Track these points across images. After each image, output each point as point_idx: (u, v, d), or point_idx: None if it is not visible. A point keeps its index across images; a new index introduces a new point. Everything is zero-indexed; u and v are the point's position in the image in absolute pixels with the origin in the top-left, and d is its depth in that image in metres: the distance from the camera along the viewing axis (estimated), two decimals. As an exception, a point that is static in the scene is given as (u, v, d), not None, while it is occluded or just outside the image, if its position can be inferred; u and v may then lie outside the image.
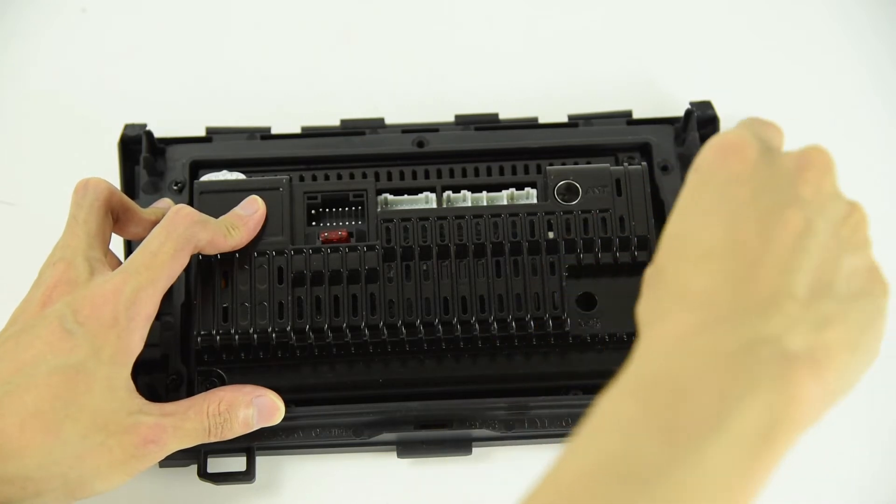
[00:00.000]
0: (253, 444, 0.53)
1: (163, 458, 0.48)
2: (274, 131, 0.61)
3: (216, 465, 0.53)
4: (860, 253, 0.40)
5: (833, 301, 0.37)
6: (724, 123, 0.60)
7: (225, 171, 0.57)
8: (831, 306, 0.37)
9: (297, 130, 0.61)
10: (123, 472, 0.47)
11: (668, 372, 0.35)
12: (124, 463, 0.47)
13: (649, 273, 0.40)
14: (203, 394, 0.50)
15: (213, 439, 0.50)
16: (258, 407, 0.51)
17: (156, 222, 0.51)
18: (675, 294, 0.38)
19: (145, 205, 0.55)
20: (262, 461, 0.54)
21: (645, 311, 0.39)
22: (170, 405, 0.49)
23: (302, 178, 0.58)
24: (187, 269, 0.53)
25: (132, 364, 0.47)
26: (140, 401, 0.48)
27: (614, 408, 0.35)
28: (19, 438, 0.44)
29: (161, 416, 0.48)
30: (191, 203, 0.55)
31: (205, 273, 0.53)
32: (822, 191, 0.39)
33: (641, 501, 0.32)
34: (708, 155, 0.40)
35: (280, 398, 0.51)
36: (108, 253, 0.51)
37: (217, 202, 0.54)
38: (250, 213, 0.53)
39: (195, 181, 0.56)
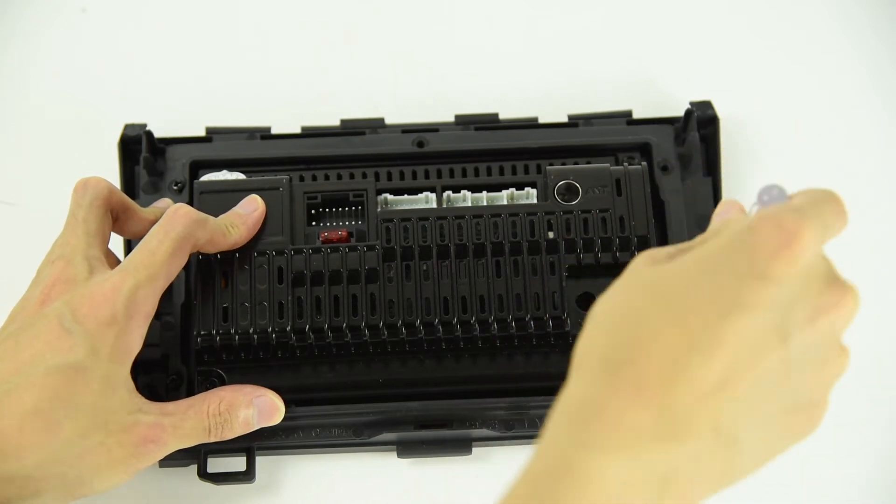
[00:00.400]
0: (253, 444, 0.53)
1: (162, 457, 0.48)
2: (274, 131, 0.61)
3: (216, 465, 0.53)
4: (806, 398, 0.37)
5: (715, 435, 0.35)
6: (724, 123, 0.60)
7: (225, 171, 0.57)
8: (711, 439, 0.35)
9: (297, 130, 0.61)
10: (123, 472, 0.47)
11: (575, 465, 0.35)
12: (124, 462, 0.47)
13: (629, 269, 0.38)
14: (203, 394, 0.50)
15: (213, 439, 0.50)
16: (258, 407, 0.51)
17: (155, 221, 0.50)
18: (609, 343, 0.36)
19: (145, 205, 0.55)
20: (262, 461, 0.54)
21: (589, 338, 0.38)
22: (170, 405, 0.49)
23: (302, 178, 0.58)
24: (187, 269, 0.53)
25: (131, 363, 0.48)
26: (139, 400, 0.48)
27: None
28: (18, 438, 0.44)
29: (160, 416, 0.48)
30: (191, 203, 0.55)
31: (205, 273, 0.53)
32: (825, 339, 0.36)
33: None
34: (768, 227, 0.34)
35: (280, 398, 0.51)
36: (108, 252, 0.51)
37: (217, 202, 0.54)
38: (249, 212, 0.53)
39: (195, 181, 0.56)
